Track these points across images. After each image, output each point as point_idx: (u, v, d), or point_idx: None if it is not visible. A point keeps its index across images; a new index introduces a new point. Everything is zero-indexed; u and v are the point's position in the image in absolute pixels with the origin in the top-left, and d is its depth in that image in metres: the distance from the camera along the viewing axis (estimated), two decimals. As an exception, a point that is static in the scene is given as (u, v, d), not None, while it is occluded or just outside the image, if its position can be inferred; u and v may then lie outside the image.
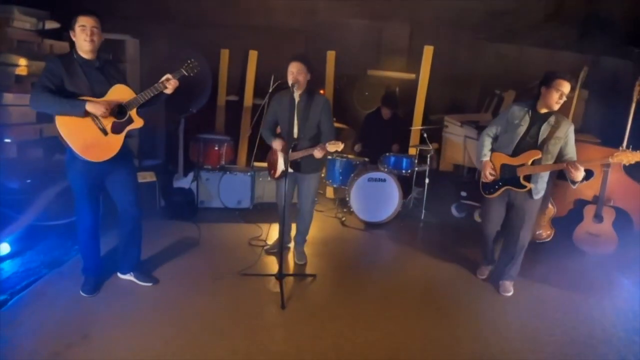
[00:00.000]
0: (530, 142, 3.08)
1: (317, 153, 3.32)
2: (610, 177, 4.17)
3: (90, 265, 3.10)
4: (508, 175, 3.17)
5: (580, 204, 4.34)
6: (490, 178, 3.25)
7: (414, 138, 5.90)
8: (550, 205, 4.26)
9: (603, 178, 4.17)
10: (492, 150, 3.32)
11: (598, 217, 4.17)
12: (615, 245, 4.13)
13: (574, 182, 2.95)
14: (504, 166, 3.19)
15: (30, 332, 2.59)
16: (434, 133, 5.64)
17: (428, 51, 5.91)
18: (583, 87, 4.49)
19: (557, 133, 3.01)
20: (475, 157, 3.35)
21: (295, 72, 3.28)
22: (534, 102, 3.11)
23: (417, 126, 5.76)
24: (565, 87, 2.95)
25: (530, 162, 3.06)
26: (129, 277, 3.23)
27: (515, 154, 3.13)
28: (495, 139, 3.32)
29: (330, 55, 6.05)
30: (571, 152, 3.05)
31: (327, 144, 3.26)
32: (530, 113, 3.10)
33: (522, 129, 3.10)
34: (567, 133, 3.03)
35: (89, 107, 2.62)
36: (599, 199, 4.16)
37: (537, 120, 3.07)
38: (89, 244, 3.04)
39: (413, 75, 6.56)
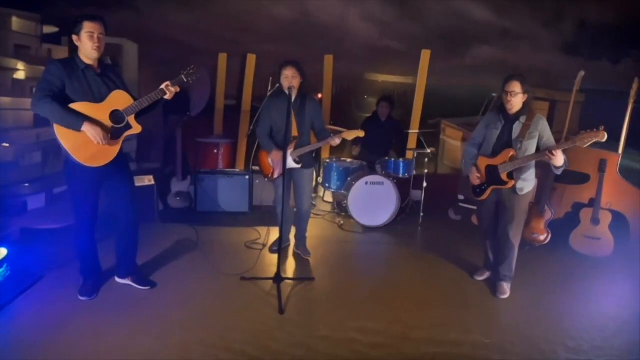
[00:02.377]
0: (504, 142, 3.28)
1: (335, 141, 3.55)
2: (606, 180, 4.19)
3: (88, 269, 3.10)
4: (492, 176, 3.33)
5: (577, 207, 4.35)
6: (477, 181, 3.40)
7: (412, 142, 5.92)
8: (547, 209, 4.27)
9: (599, 181, 4.19)
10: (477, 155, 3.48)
11: (595, 220, 4.19)
12: (611, 248, 4.15)
13: (557, 169, 3.13)
14: (488, 168, 3.35)
15: (28, 334, 2.58)
16: (431, 137, 5.66)
17: (425, 55, 5.94)
18: (580, 90, 4.50)
19: (530, 130, 3.20)
20: (463, 163, 3.58)
21: (290, 75, 3.47)
22: (504, 106, 3.30)
23: (414, 130, 5.78)
24: (509, 86, 3.16)
25: (508, 159, 3.24)
26: (127, 281, 3.22)
27: (493, 154, 3.33)
28: (480, 145, 3.50)
29: (328, 59, 6.07)
30: (549, 142, 3.21)
31: (344, 133, 3.61)
32: (502, 116, 3.30)
33: (497, 132, 3.32)
34: (540, 127, 3.20)
35: (86, 128, 2.63)
36: (596, 202, 4.18)
37: (509, 121, 3.27)
38: (86, 247, 3.04)
39: (411, 79, 6.60)
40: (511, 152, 3.22)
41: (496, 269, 3.51)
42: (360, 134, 3.66)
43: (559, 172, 3.19)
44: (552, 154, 3.01)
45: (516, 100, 3.18)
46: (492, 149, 3.34)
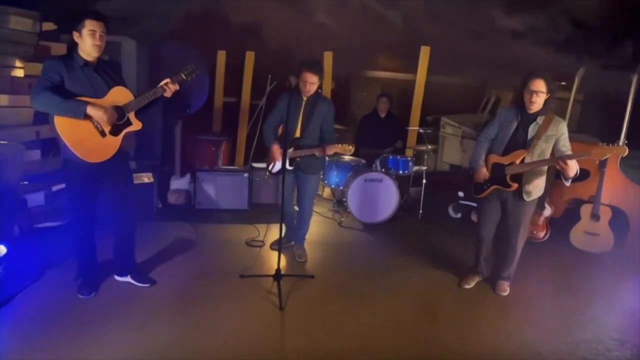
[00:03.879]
0: (519, 142, 3.10)
1: (319, 152, 3.47)
2: (606, 176, 4.18)
3: (87, 267, 3.09)
4: (496, 174, 3.18)
5: (577, 203, 4.35)
6: (483, 178, 3.24)
7: (411, 138, 5.92)
8: (547, 205, 4.27)
9: (600, 177, 4.18)
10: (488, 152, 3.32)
11: (595, 216, 4.19)
12: (611, 244, 4.15)
13: (567, 179, 2.96)
14: (494, 165, 3.21)
15: (27, 333, 2.58)
16: (431, 133, 5.66)
17: (425, 51, 5.94)
18: (579, 88, 4.50)
19: (547, 132, 3.03)
20: (472, 157, 3.38)
21: (310, 82, 3.42)
22: (521, 103, 3.11)
23: (414, 126, 5.79)
24: (535, 85, 2.96)
25: (518, 161, 3.08)
26: (126, 279, 3.22)
27: (505, 154, 3.16)
28: (491, 141, 3.32)
29: (327, 55, 6.06)
30: (564, 148, 3.06)
31: (333, 145, 3.42)
32: (519, 114, 3.12)
33: (511, 130, 3.13)
34: (559, 130, 3.04)
35: (90, 110, 2.61)
36: (596, 198, 4.18)
37: (526, 120, 3.09)
38: (85, 246, 3.04)
39: (411, 76, 6.59)
40: (523, 154, 3.05)
41: (497, 269, 3.47)
42: (350, 150, 3.46)
43: (567, 183, 2.99)
44: (566, 164, 2.85)
45: (540, 100, 2.99)
46: (504, 147, 3.15)
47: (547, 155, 3.08)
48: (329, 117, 3.60)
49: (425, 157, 5.18)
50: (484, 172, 3.23)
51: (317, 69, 3.42)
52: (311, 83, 3.41)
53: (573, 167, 2.87)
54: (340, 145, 3.44)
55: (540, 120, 3.06)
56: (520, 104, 3.12)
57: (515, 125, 3.13)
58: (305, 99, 3.53)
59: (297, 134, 3.58)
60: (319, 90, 3.59)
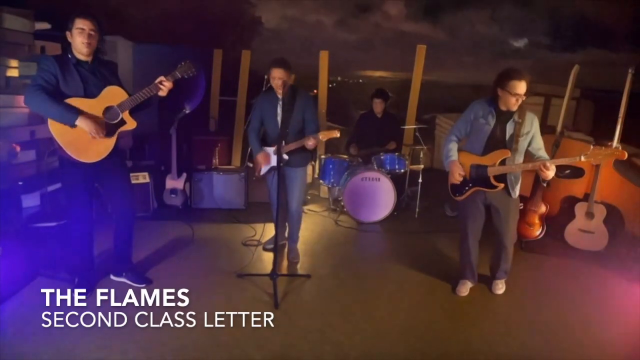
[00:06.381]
0: (498, 141, 3.00)
1: (310, 143, 3.46)
2: (600, 174, 4.19)
3: (83, 268, 3.08)
4: (477, 176, 3.07)
5: (571, 201, 4.36)
6: (460, 179, 3.12)
7: (407, 137, 5.92)
8: (541, 203, 4.28)
9: (594, 175, 4.19)
10: (460, 149, 3.20)
11: (589, 215, 4.20)
12: (606, 242, 4.16)
13: (544, 181, 2.91)
14: (472, 167, 3.08)
15: (23, 334, 2.58)
16: (427, 132, 5.67)
17: (420, 50, 5.94)
18: (575, 85, 4.51)
19: (523, 129, 2.96)
20: (444, 158, 3.21)
21: (277, 77, 3.42)
22: (495, 100, 3.00)
23: (410, 125, 5.79)
24: (520, 88, 2.84)
25: (498, 161, 2.99)
26: (122, 279, 3.22)
27: (484, 154, 3.04)
28: (460, 139, 3.22)
29: (323, 54, 6.05)
30: (538, 144, 3.02)
31: (319, 133, 3.46)
32: (494, 112, 3.00)
33: (489, 128, 3.01)
34: (534, 126, 3.00)
35: (80, 122, 2.61)
36: (590, 196, 4.18)
37: (502, 118, 2.99)
38: (81, 246, 3.03)
39: (407, 75, 6.60)
40: (505, 154, 2.97)
41: (492, 270, 3.43)
42: (335, 134, 3.51)
43: (544, 184, 2.96)
44: (547, 169, 2.79)
45: (521, 102, 2.91)
46: (482, 147, 3.04)
47: (523, 153, 3.03)
48: (309, 108, 3.62)
49: (421, 155, 5.18)
50: (459, 169, 3.08)
51: (282, 64, 3.40)
52: (278, 78, 3.40)
53: (553, 172, 2.82)
54: (326, 131, 3.52)
55: (517, 117, 2.97)
56: (494, 100, 3.02)
57: (492, 123, 3.02)
58: (280, 97, 3.51)
59: (283, 130, 3.57)
60: (295, 85, 3.57)
